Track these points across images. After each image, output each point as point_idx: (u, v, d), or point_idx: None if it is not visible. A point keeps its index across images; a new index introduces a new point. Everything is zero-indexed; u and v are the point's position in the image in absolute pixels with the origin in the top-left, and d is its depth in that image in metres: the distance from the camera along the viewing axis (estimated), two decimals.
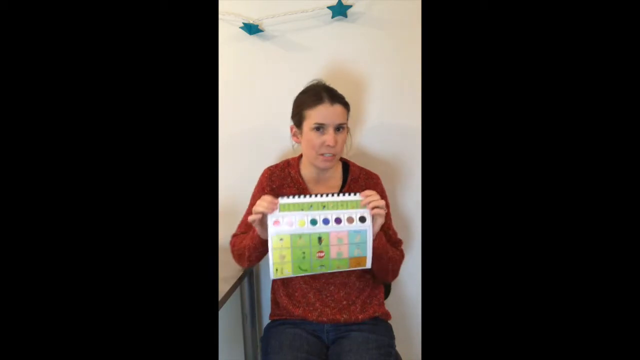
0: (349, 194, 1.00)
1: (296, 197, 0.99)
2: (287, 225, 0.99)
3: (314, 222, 0.99)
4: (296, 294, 1.18)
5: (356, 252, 1.01)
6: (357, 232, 1.00)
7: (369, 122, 1.42)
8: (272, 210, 0.99)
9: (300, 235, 0.99)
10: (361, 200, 1.00)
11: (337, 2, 1.31)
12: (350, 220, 1.00)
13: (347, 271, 1.15)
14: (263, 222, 1.00)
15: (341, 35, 1.37)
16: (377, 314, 1.18)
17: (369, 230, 1.00)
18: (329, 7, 1.33)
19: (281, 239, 0.99)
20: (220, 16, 1.36)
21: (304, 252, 1.00)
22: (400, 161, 1.44)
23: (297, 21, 1.37)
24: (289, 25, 1.38)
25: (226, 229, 1.20)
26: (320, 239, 0.99)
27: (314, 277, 1.16)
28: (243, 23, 1.36)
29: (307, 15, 1.35)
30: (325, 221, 0.99)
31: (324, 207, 0.99)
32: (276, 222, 0.99)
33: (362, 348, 1.06)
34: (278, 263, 1.00)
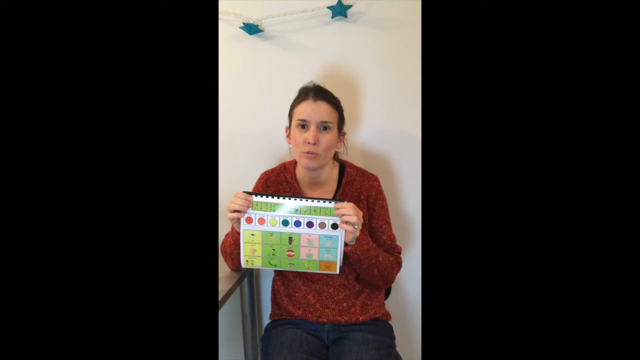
0: (324, 201, 0.99)
1: (269, 196, 1.00)
2: (258, 223, 1.01)
3: (285, 222, 1.01)
4: (296, 295, 1.18)
5: (326, 257, 1.03)
6: (328, 237, 1.01)
7: (369, 122, 1.42)
8: (247, 207, 1.00)
9: (271, 233, 1.02)
10: (334, 209, 0.99)
11: (337, 2, 1.31)
12: (322, 225, 1.01)
13: (346, 273, 1.15)
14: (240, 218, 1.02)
15: (341, 35, 1.37)
16: (377, 315, 1.18)
17: (340, 237, 1.01)
18: (329, 7, 1.33)
19: (252, 235, 1.02)
20: (220, 16, 1.36)
21: (274, 249, 1.03)
22: (401, 161, 1.44)
23: (297, 21, 1.37)
24: (289, 25, 1.38)
25: (226, 229, 1.20)
26: (290, 238, 1.02)
27: (313, 279, 1.16)
28: (243, 23, 1.36)
29: (307, 15, 1.35)
30: (297, 223, 1.01)
31: (297, 210, 1.00)
32: (249, 219, 1.01)
33: (362, 348, 1.06)
34: (248, 255, 1.04)
